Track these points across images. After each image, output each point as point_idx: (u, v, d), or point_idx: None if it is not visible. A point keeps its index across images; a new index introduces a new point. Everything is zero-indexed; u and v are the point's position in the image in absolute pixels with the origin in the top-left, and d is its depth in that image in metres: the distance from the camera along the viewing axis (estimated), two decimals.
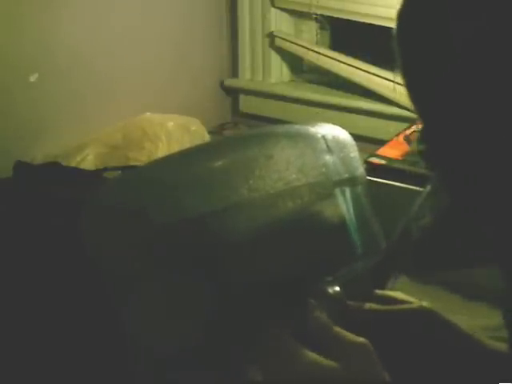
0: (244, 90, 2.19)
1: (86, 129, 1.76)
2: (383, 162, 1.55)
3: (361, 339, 0.61)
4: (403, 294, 0.77)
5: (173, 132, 1.75)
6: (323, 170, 0.66)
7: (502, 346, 0.72)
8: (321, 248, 0.66)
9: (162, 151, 1.70)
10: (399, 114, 1.91)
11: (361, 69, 1.99)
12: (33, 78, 1.65)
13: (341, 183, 0.67)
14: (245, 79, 2.18)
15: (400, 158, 1.57)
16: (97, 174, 1.48)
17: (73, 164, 1.64)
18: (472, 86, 0.51)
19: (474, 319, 1.09)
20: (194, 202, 0.62)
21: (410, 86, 0.55)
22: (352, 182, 0.68)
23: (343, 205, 0.67)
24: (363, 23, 1.96)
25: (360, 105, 2.01)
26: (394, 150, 1.59)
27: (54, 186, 1.34)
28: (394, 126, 1.85)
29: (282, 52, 2.14)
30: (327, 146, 0.68)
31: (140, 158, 1.66)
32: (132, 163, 1.62)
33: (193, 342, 0.65)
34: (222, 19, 2.15)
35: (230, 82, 2.19)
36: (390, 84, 1.94)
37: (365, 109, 2.00)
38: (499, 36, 0.49)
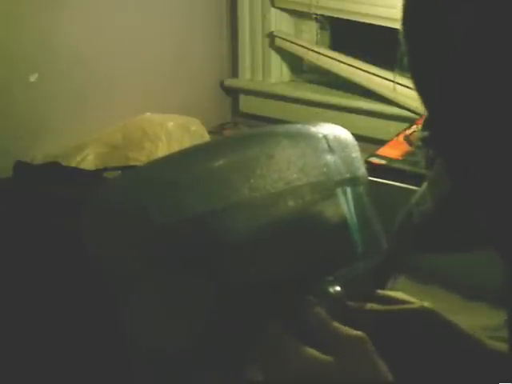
0: (244, 90, 2.19)
1: (86, 129, 1.76)
2: (383, 162, 1.55)
3: (358, 332, 0.61)
4: (404, 294, 0.77)
5: (173, 132, 1.75)
6: (324, 169, 0.66)
7: (502, 346, 0.72)
8: (322, 248, 0.66)
9: (162, 151, 1.70)
10: (399, 113, 1.91)
11: (361, 69, 1.99)
12: (33, 78, 1.65)
13: (342, 183, 0.67)
14: (245, 79, 2.18)
15: (400, 158, 1.57)
16: (97, 174, 1.48)
17: (73, 164, 1.64)
18: (472, 75, 0.51)
19: (474, 319, 1.09)
20: (194, 201, 0.62)
21: (414, 74, 0.56)
22: (353, 181, 0.68)
23: (344, 204, 0.67)
24: (363, 23, 1.96)
25: (360, 105, 2.01)
26: (394, 150, 1.59)
27: (54, 186, 1.34)
28: (394, 125, 1.86)
29: (282, 52, 2.14)
30: (329, 145, 0.67)
31: (140, 158, 1.66)
32: (132, 163, 1.62)
33: (193, 341, 0.64)
34: (222, 19, 2.15)
35: (230, 82, 2.19)
36: (389, 84, 1.94)
37: (365, 109, 2.00)
38: (500, 24, 0.49)
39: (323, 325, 0.62)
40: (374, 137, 1.83)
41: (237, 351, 0.65)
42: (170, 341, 0.65)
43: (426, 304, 0.75)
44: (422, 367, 0.73)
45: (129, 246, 0.64)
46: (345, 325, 0.62)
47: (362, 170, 0.70)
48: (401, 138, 1.65)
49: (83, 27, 1.75)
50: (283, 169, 0.64)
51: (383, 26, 1.88)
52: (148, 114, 1.80)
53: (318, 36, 2.14)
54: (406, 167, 1.52)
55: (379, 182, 1.47)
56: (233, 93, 2.22)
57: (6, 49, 1.59)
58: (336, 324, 0.62)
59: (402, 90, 1.91)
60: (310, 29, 2.15)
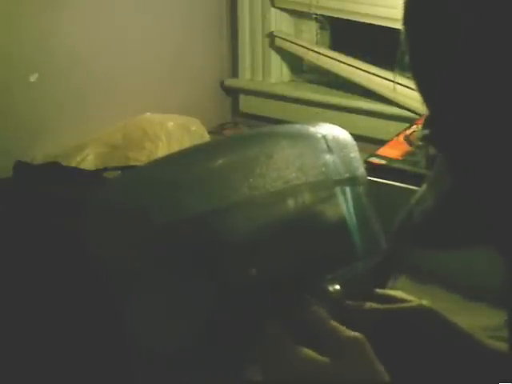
0: (244, 89, 2.19)
1: (86, 129, 1.76)
2: (383, 162, 1.55)
3: (356, 334, 0.61)
4: (403, 292, 0.77)
5: (173, 132, 1.75)
6: (323, 169, 0.66)
7: (502, 346, 0.72)
8: (321, 247, 0.66)
9: (162, 151, 1.70)
10: (399, 113, 1.91)
11: (361, 69, 1.99)
12: (33, 78, 1.65)
13: (341, 183, 0.67)
14: (245, 79, 2.18)
15: (400, 158, 1.57)
16: (97, 174, 1.48)
17: (73, 164, 1.63)
18: (472, 73, 0.51)
19: (474, 319, 1.09)
20: (194, 201, 0.62)
21: (415, 73, 0.56)
22: (352, 181, 0.68)
23: (343, 204, 0.67)
24: (363, 23, 1.96)
25: (360, 105, 2.01)
26: (394, 150, 1.59)
27: (54, 186, 1.34)
28: (394, 126, 1.85)
29: (282, 52, 2.14)
30: (327, 145, 0.68)
31: (140, 158, 1.66)
32: (132, 163, 1.62)
33: (193, 341, 0.65)
34: (222, 19, 2.15)
35: (230, 82, 2.19)
36: (390, 84, 1.94)
37: (365, 109, 2.00)
38: (500, 23, 0.49)
39: (321, 324, 0.62)
40: (373, 137, 1.83)
41: (237, 351, 0.65)
42: (170, 341, 0.65)
43: (425, 302, 0.75)
44: (420, 366, 0.73)
45: (129, 245, 0.64)
46: (343, 324, 0.62)
47: (360, 170, 0.70)
48: (401, 138, 1.65)
49: (83, 27, 1.74)
50: (282, 168, 0.64)
51: (383, 26, 1.88)
52: (148, 114, 1.80)
53: (318, 36, 2.14)
54: (406, 167, 1.52)
55: (379, 182, 1.47)
56: (233, 93, 2.22)
57: (5, 49, 1.59)
58: (334, 324, 0.62)
59: (402, 90, 1.91)
60: (310, 29, 2.15)
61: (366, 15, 1.95)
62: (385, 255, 0.72)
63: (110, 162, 1.63)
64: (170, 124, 1.76)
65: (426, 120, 0.57)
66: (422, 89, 0.56)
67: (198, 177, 0.63)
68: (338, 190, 0.67)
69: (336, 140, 0.69)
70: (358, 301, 0.73)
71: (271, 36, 2.12)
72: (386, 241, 0.71)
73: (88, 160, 1.68)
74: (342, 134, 0.71)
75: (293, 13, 2.13)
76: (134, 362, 0.76)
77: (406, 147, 1.60)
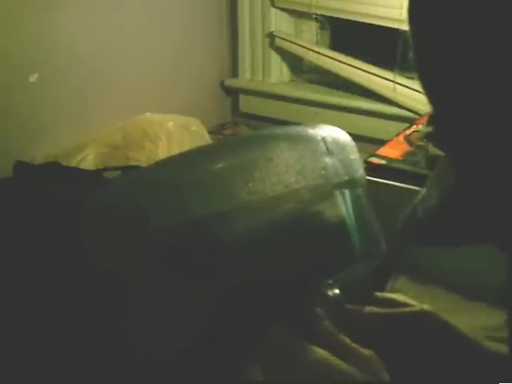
0: (244, 89, 2.19)
1: (86, 129, 1.76)
2: (383, 162, 1.55)
3: (367, 351, 0.61)
4: (404, 296, 0.77)
5: (173, 132, 1.75)
6: (323, 172, 0.66)
7: (502, 348, 0.72)
8: (321, 250, 0.66)
9: (162, 151, 1.70)
10: (399, 114, 1.91)
11: (361, 69, 1.99)
12: (33, 78, 1.65)
13: (340, 185, 0.67)
14: (245, 79, 2.18)
15: (400, 158, 1.57)
16: (97, 174, 1.48)
17: (73, 164, 1.63)
18: (473, 71, 0.51)
19: (474, 319, 1.09)
20: (195, 203, 0.63)
21: (419, 70, 0.56)
22: (352, 184, 0.68)
23: (343, 207, 0.67)
24: (363, 23, 1.96)
25: (360, 105, 2.01)
26: (394, 150, 1.59)
27: (54, 186, 1.34)
28: (394, 126, 1.85)
29: (282, 52, 2.15)
30: (327, 148, 0.68)
31: (140, 158, 1.66)
32: (132, 163, 1.62)
33: (193, 341, 0.65)
34: (222, 19, 2.15)
35: (230, 82, 2.20)
36: (390, 84, 1.94)
37: (365, 109, 2.00)
38: (499, 22, 0.49)
39: (332, 340, 0.62)
40: (373, 137, 1.83)
41: (237, 351, 0.65)
42: (170, 341, 0.65)
43: (426, 307, 0.75)
44: (422, 370, 0.72)
45: (129, 246, 0.64)
46: (345, 331, 0.62)
47: (360, 172, 0.70)
48: (401, 138, 1.65)
49: (83, 27, 1.74)
50: (282, 172, 0.64)
51: (383, 26, 1.88)
52: (148, 114, 1.80)
53: (318, 36, 2.14)
54: (406, 167, 1.52)
55: (379, 182, 1.47)
56: (233, 93, 2.22)
57: (5, 49, 1.59)
58: (345, 339, 0.62)
59: (402, 90, 1.91)
60: (310, 29, 2.15)
61: (366, 15, 1.95)
62: (385, 256, 0.72)
63: (110, 161, 1.63)
64: (170, 124, 1.76)
65: (429, 118, 0.57)
66: (426, 86, 0.56)
67: (199, 179, 0.63)
68: (337, 192, 0.67)
69: (335, 142, 0.69)
70: (358, 304, 0.73)
71: (271, 36, 2.12)
72: (386, 241, 0.71)
73: (88, 160, 1.68)
74: (341, 136, 0.71)
75: (293, 13, 2.13)
76: (134, 362, 0.76)
77: (405, 147, 1.60)
